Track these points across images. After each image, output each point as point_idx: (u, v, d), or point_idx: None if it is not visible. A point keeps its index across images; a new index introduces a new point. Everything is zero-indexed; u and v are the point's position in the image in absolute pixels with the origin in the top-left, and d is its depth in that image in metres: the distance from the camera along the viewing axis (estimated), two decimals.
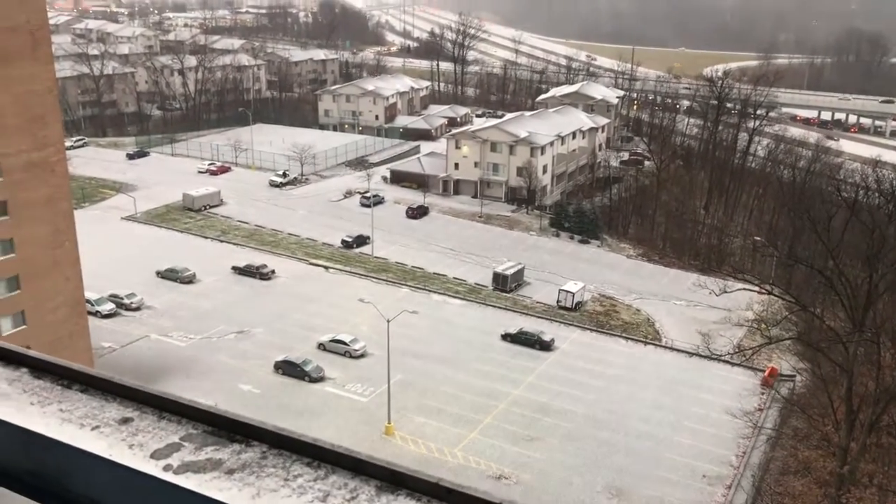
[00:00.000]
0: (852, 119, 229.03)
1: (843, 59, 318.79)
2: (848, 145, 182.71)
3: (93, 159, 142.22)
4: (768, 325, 61.61)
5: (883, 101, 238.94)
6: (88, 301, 70.04)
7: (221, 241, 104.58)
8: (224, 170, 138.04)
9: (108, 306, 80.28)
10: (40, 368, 2.38)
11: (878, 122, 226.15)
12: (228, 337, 76.98)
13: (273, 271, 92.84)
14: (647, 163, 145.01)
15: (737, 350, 67.07)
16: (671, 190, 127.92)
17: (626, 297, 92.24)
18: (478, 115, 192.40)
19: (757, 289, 67.35)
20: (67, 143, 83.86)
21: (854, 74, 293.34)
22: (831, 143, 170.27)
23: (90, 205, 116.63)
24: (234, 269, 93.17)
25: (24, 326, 58.20)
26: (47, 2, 60.59)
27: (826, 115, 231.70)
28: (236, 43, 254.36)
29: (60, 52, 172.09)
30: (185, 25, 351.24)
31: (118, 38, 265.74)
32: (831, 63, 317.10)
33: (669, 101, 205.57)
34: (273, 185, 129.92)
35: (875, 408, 50.59)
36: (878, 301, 53.11)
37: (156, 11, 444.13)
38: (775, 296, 63.34)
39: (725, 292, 61.60)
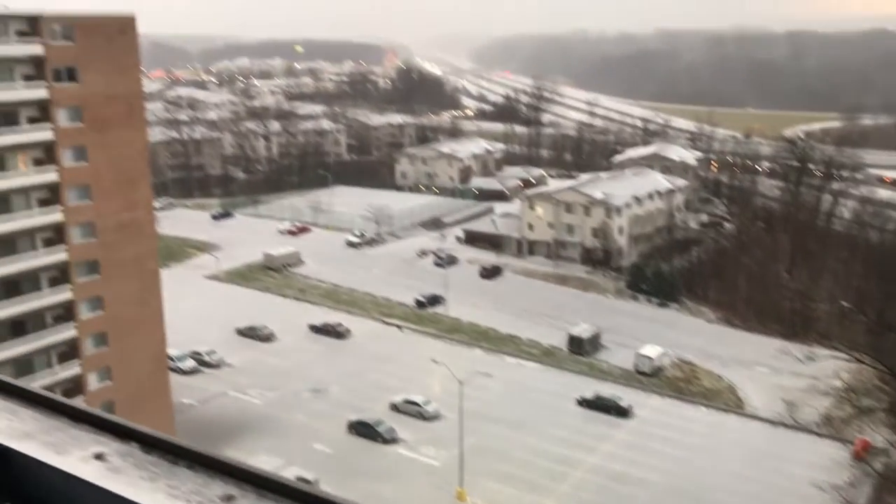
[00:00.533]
0: None
1: None
2: None
3: (180, 220, 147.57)
4: (858, 395, 58.68)
5: None
6: (170, 357, 71.89)
7: (299, 300, 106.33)
8: (303, 230, 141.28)
9: (189, 363, 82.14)
10: (149, 444, 2.43)
11: None
12: (304, 395, 77.64)
13: (348, 330, 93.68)
14: (727, 225, 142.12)
15: (825, 420, 63.97)
16: (753, 253, 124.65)
17: (706, 363, 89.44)
18: (552, 177, 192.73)
19: (845, 356, 64.54)
20: (156, 205, 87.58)
21: None
22: None
23: (175, 264, 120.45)
24: (311, 327, 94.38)
25: (109, 382, 60.07)
26: (143, 71, 64.08)
27: None
28: (318, 109, 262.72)
29: (153, 118, 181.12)
30: (270, 92, 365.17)
31: (207, 104, 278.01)
32: None
33: (749, 162, 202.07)
34: (350, 245, 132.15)
35: None
36: None
37: (242, 79, 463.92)
38: (865, 364, 60.50)
39: (812, 359, 59.18)
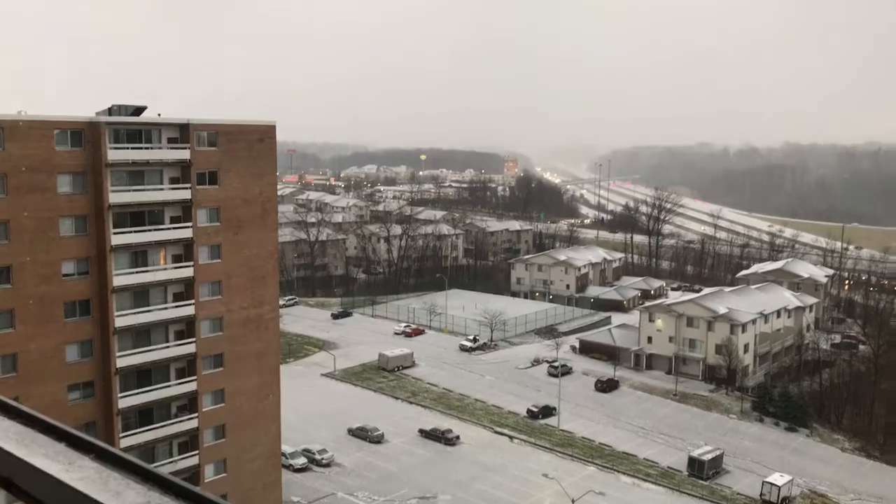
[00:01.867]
0: None
1: None
2: None
3: (301, 317, 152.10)
4: None
5: None
6: (283, 454, 72.69)
7: (411, 403, 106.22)
8: (418, 332, 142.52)
9: (301, 460, 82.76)
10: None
11: None
12: (411, 502, 76.40)
13: (458, 437, 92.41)
14: (861, 347, 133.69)
15: None
16: (891, 377, 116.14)
17: (841, 496, 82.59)
18: (673, 289, 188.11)
19: None
20: (280, 302, 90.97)
21: None
22: None
23: (294, 360, 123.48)
24: (421, 431, 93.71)
25: (224, 474, 61.13)
26: (277, 175, 67.74)
27: None
28: (438, 214, 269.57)
29: (283, 220, 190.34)
30: (394, 198, 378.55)
31: (334, 207, 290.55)
32: None
33: (886, 282, 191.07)
34: (463, 349, 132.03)
35: None
36: None
37: (368, 185, 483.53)
38: None
39: None
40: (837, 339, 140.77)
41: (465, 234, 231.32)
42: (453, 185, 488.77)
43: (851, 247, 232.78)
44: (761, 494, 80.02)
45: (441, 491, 78.68)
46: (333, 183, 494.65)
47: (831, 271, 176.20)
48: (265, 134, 61.03)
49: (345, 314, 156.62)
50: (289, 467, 79.75)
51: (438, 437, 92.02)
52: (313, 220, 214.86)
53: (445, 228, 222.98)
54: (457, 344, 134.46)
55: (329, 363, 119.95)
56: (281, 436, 64.66)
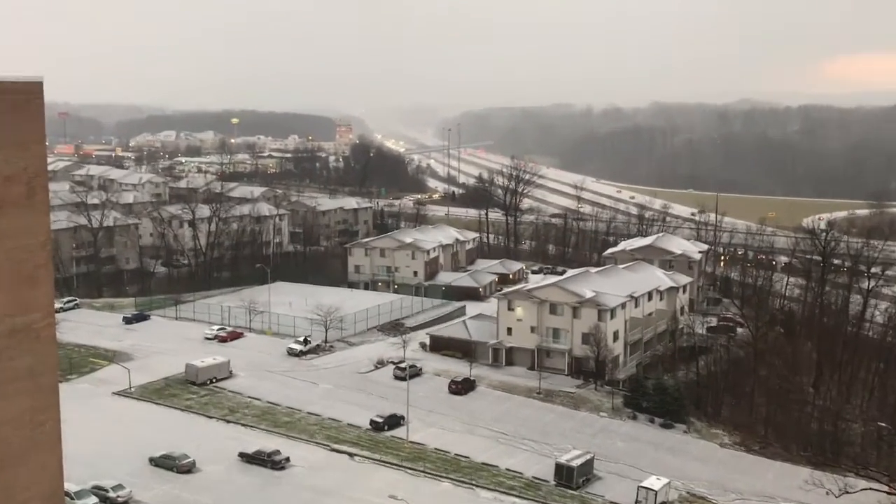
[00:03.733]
0: None
1: None
2: None
3: (85, 323, 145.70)
4: None
5: None
6: (67, 494, 69.57)
7: (228, 422, 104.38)
8: (235, 336, 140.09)
9: (91, 500, 79.50)
10: None
11: None
12: None
13: (287, 459, 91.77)
14: (739, 330, 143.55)
15: None
16: (772, 363, 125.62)
17: (721, 497, 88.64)
18: (534, 272, 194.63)
19: (886, 488, 64.39)
20: (57, 305, 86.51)
21: None
22: None
23: (78, 377, 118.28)
24: (242, 455, 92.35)
25: None
26: (46, 146, 64.30)
27: None
28: (256, 191, 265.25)
29: (56, 202, 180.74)
30: (199, 171, 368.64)
31: (122, 185, 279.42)
32: None
33: (763, 256, 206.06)
34: (292, 353, 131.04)
35: None
36: None
37: (166, 156, 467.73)
38: None
39: (847, 492, 58.89)
40: (714, 321, 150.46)
41: (290, 214, 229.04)
42: (274, 154, 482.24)
43: (726, 218, 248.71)
44: (637, 501, 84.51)
45: None
46: (121, 154, 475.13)
47: (705, 246, 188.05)
48: (29, 93, 57.53)
49: (141, 317, 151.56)
50: None
51: (263, 460, 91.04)
52: (96, 200, 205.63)
53: (266, 208, 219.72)
54: (284, 348, 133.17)
55: (122, 379, 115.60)
56: (63, 472, 61.80)
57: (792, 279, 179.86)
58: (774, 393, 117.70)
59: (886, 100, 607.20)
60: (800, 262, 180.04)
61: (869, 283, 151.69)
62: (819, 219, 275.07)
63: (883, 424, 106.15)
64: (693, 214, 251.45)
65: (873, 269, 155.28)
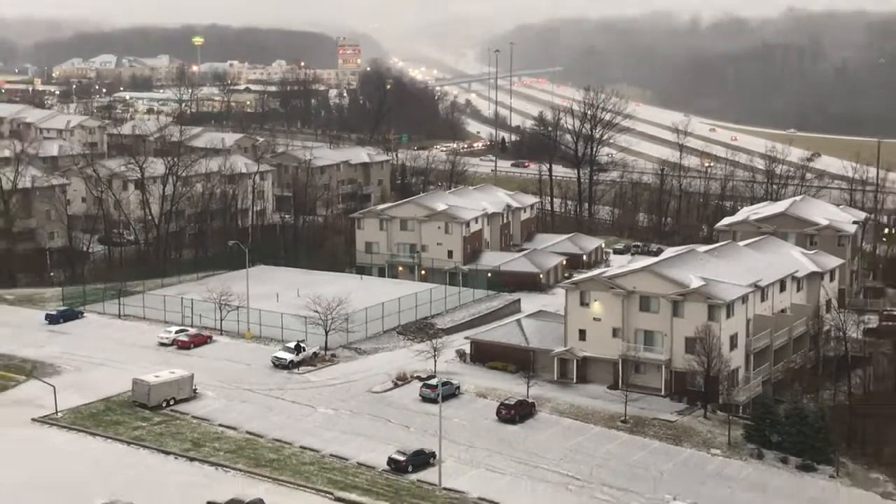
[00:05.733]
0: None
1: None
2: None
3: None
4: None
5: None
6: None
7: (192, 460, 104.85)
8: (201, 341, 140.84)
9: None
10: None
11: None
12: None
13: None
14: None
15: None
16: None
17: None
18: (617, 251, 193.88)
19: None
20: None
21: None
22: None
23: None
24: None
25: None
26: None
27: None
28: (228, 138, 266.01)
29: None
30: (150, 112, 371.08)
31: (43, 131, 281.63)
32: None
33: None
34: (279, 365, 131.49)
35: None
36: None
37: (103, 91, 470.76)
38: None
39: None
40: (874, 321, 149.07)
41: (276, 171, 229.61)
42: (252, 88, 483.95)
43: (891, 174, 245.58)
44: None
45: None
46: (41, 88, 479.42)
47: (863, 215, 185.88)
48: None
49: (70, 315, 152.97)
50: None
51: None
52: (6, 153, 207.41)
53: (242, 163, 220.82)
54: (268, 357, 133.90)
55: (46, 400, 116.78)
56: None
57: None
58: None
59: None
60: None
61: None
62: None
63: None
64: (853, 167, 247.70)
65: None
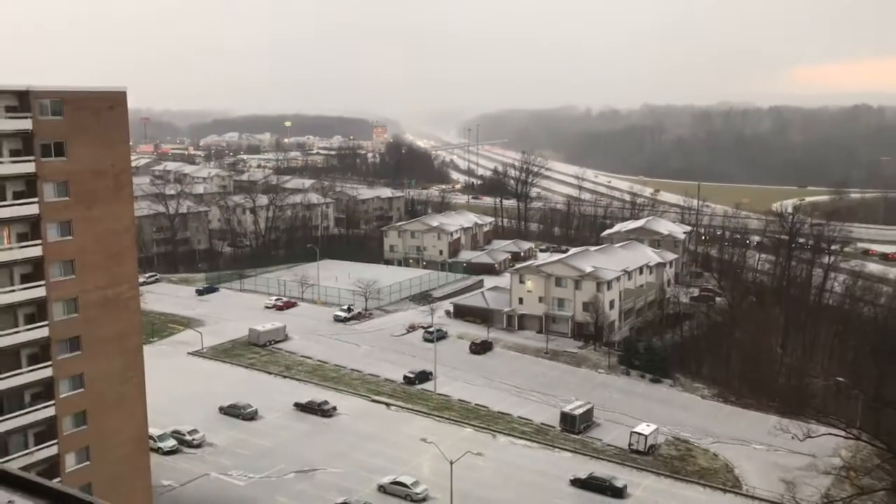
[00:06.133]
0: None
1: None
2: None
3: (164, 295, 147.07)
4: (858, 474, 57.84)
5: None
6: (151, 437, 70.46)
7: (285, 377, 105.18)
8: (290, 305, 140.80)
9: (170, 443, 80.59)
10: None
11: None
12: (288, 476, 76.02)
13: (335, 408, 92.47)
14: (718, 299, 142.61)
15: (825, 500, 62.99)
16: (745, 328, 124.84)
17: (701, 441, 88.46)
18: (541, 250, 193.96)
19: (843, 433, 63.89)
20: (140, 280, 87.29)
21: None
22: None
23: (158, 340, 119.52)
24: (297, 405, 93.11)
25: (87, 463, 58.63)
26: (130, 146, 64.66)
27: None
28: (306, 182, 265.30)
29: (139, 193, 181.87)
30: (259, 167, 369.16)
31: (194, 178, 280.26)
32: None
33: (738, 236, 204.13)
34: (337, 319, 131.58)
35: None
36: None
37: (231, 154, 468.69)
38: (864, 441, 59.86)
39: (810, 437, 58.50)
40: (696, 292, 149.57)
41: (335, 202, 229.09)
42: (321, 152, 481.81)
43: (707, 203, 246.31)
44: (630, 444, 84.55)
45: (319, 463, 78.67)
46: (192, 152, 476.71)
47: (689, 228, 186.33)
48: (115, 101, 57.91)
49: (211, 290, 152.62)
50: (157, 450, 77.59)
51: (314, 409, 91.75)
52: (172, 191, 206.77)
53: (314, 197, 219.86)
54: (331, 315, 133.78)
55: (196, 341, 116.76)
56: (148, 419, 62.55)
57: (763, 255, 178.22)
58: (747, 353, 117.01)
59: (847, 101, 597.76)
60: (769, 241, 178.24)
61: (829, 259, 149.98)
62: (786, 204, 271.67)
63: (841, 379, 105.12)
64: (682, 200, 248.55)
65: (833, 247, 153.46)
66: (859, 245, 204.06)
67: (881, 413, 76.48)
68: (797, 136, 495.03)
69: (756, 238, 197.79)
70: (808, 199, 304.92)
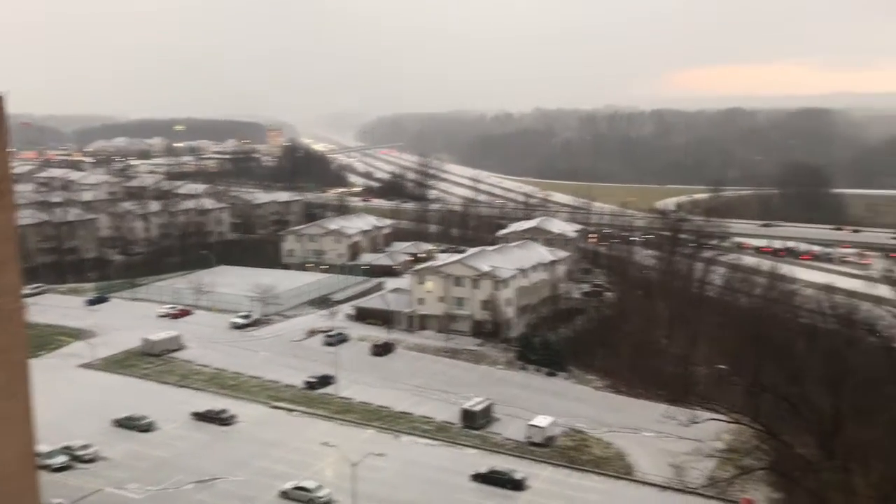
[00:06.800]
0: (804, 247, 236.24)
1: (787, 191, 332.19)
2: (801, 272, 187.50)
3: (51, 306, 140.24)
4: (740, 455, 60.77)
5: (834, 229, 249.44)
6: (39, 454, 66.96)
7: (181, 387, 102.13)
8: (185, 313, 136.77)
9: (61, 459, 76.95)
10: None
11: (826, 250, 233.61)
12: (187, 488, 73.78)
13: (234, 416, 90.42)
14: (607, 294, 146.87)
15: (710, 482, 65.87)
16: (633, 320, 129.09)
17: (595, 431, 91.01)
18: (441, 251, 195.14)
19: (725, 418, 66.96)
20: (25, 291, 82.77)
21: (799, 204, 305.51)
22: (785, 271, 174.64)
23: (47, 353, 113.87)
24: (194, 415, 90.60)
25: None
26: (11, 152, 61.35)
27: (779, 244, 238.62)
28: (200, 188, 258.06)
29: (22, 201, 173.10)
30: (150, 172, 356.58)
31: (81, 185, 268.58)
32: (778, 194, 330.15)
33: (625, 233, 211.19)
34: (235, 326, 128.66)
35: None
36: (845, 426, 53.04)
37: (120, 159, 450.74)
38: (744, 424, 62.95)
39: (695, 422, 61.09)
40: (587, 288, 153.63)
41: (230, 207, 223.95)
42: (214, 156, 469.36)
43: (595, 203, 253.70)
44: (527, 437, 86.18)
45: (219, 473, 76.70)
46: (79, 158, 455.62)
47: (579, 227, 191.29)
48: None
49: (101, 300, 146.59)
50: (47, 468, 73.84)
51: (213, 418, 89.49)
52: (58, 199, 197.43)
53: (209, 202, 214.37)
54: (228, 322, 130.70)
55: (86, 353, 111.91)
56: (36, 435, 59.42)
57: (648, 251, 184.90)
58: (636, 344, 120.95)
59: (723, 104, 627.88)
60: (654, 237, 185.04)
61: (709, 253, 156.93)
62: (669, 202, 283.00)
63: (722, 366, 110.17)
64: (572, 200, 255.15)
65: (712, 242, 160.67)
66: (736, 239, 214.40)
67: (759, 397, 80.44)
68: (678, 139, 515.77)
69: (642, 235, 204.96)
70: (688, 197, 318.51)
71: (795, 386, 56.31)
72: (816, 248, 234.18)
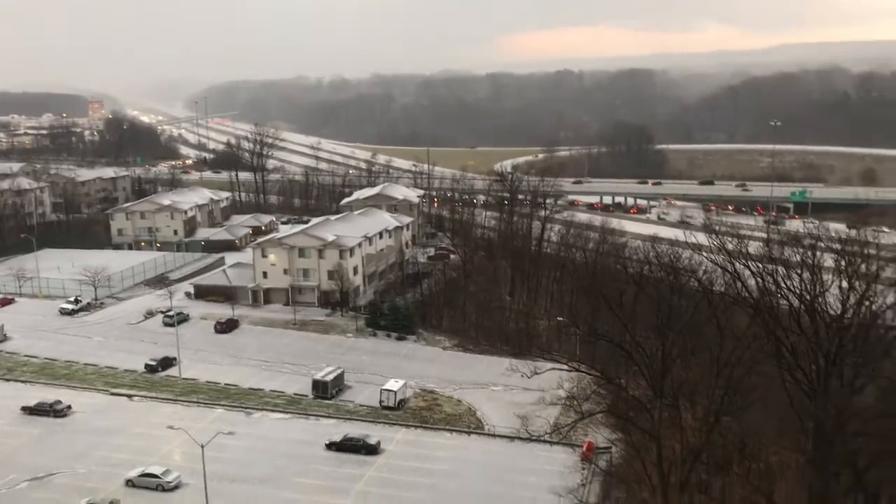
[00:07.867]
0: (630, 201, 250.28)
1: (615, 149, 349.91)
2: (630, 226, 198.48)
3: None
4: (580, 401, 63.96)
5: (654, 184, 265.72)
6: None
7: (7, 380, 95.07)
8: (6, 302, 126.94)
9: None
10: None
11: (652, 203, 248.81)
12: (21, 486, 69.08)
13: (69, 407, 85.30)
14: (452, 256, 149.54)
15: (554, 429, 69.05)
16: (477, 280, 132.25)
17: (446, 389, 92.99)
18: (283, 223, 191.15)
19: (565, 367, 70.11)
20: None
21: (626, 161, 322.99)
22: (615, 224, 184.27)
23: None
24: (24, 409, 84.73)
25: None
26: None
27: (608, 199, 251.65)
28: (15, 166, 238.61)
29: None
30: None
31: None
32: (606, 153, 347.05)
33: (467, 196, 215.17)
34: (64, 312, 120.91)
35: (683, 468, 53.61)
36: (673, 367, 56.86)
37: None
38: (582, 371, 66.20)
39: (537, 373, 63.46)
40: (432, 251, 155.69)
41: (50, 186, 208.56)
42: (29, 132, 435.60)
43: (436, 168, 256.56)
44: (380, 402, 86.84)
45: (57, 467, 72.29)
46: None
47: (422, 192, 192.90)
48: None
49: None
50: None
51: (46, 410, 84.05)
52: None
53: (26, 182, 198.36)
54: (56, 309, 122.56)
55: None
56: None
57: (489, 213, 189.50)
58: (481, 303, 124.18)
59: (552, 67, 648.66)
60: (494, 199, 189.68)
61: (545, 212, 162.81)
62: (506, 164, 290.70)
63: (561, 319, 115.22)
64: (414, 165, 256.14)
65: (548, 201, 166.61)
66: (569, 197, 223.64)
67: (595, 345, 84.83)
68: (512, 102, 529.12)
69: (482, 197, 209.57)
70: (524, 158, 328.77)
71: (627, 333, 59.66)
72: (643, 202, 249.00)
